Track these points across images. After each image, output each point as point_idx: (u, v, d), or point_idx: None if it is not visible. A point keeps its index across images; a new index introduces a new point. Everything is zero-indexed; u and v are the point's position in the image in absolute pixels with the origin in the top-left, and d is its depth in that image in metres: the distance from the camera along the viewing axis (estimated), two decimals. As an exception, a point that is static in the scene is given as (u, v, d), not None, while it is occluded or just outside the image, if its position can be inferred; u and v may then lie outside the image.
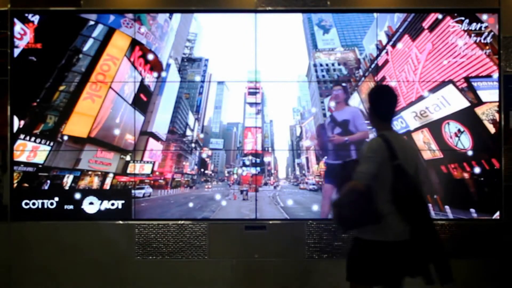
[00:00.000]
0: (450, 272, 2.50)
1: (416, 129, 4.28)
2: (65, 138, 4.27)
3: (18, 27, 4.29)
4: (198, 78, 4.49)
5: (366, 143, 2.60)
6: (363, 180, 2.44)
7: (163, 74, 4.41)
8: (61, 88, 4.31)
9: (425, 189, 2.72)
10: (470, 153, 4.21)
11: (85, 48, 4.34)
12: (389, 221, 2.45)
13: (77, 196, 4.28)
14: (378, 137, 2.55)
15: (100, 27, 4.36)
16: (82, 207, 4.28)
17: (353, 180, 2.45)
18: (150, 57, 4.39)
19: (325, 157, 4.34)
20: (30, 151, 4.27)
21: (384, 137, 2.52)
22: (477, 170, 4.19)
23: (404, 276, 2.55)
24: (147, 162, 4.38)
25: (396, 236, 2.47)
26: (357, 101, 4.39)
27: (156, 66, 4.41)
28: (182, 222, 4.23)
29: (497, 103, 4.22)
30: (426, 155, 4.26)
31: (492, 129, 4.21)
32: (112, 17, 4.35)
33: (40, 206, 4.27)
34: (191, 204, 4.34)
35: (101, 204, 4.29)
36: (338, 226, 2.56)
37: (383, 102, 2.65)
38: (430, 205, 4.22)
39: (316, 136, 4.42)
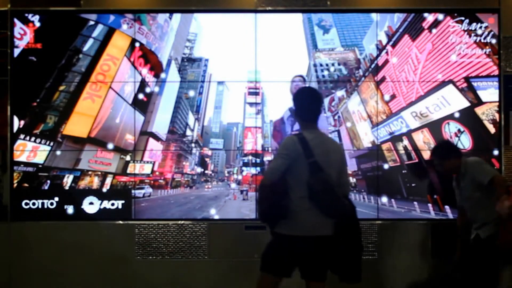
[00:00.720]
0: (358, 274, 2.68)
1: (416, 129, 4.28)
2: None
3: (18, 27, 4.29)
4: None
5: (282, 141, 2.69)
6: (270, 176, 2.56)
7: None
8: (61, 88, 4.31)
9: (348, 190, 2.80)
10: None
11: (85, 48, 4.34)
12: (303, 216, 2.54)
13: (77, 196, 4.28)
14: (293, 135, 2.63)
15: (100, 27, 4.36)
16: (82, 207, 4.28)
17: (263, 176, 2.61)
18: (151, 57, 4.40)
19: None
20: (30, 151, 4.26)
21: (300, 135, 2.61)
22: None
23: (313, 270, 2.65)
24: (147, 162, 4.38)
25: (309, 231, 2.54)
26: (357, 101, 4.39)
27: (156, 66, 4.41)
28: (182, 222, 4.23)
29: (497, 103, 4.22)
30: (427, 155, 4.26)
31: (492, 129, 4.21)
32: (112, 17, 4.36)
33: (40, 206, 4.27)
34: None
35: (101, 204, 4.29)
36: (261, 221, 2.64)
37: (305, 104, 2.72)
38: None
39: (275, 131, 4.42)
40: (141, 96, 4.36)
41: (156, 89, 4.41)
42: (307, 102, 2.72)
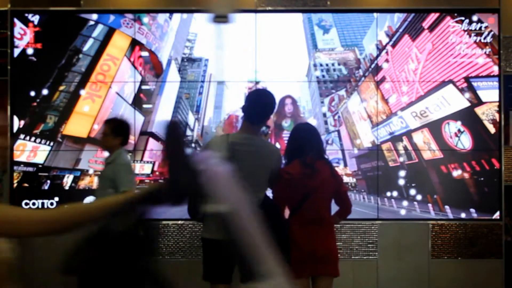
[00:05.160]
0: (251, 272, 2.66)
1: (416, 129, 4.28)
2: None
3: (18, 27, 4.29)
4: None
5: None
6: None
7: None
8: (61, 88, 4.32)
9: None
10: (470, 153, 4.21)
11: (85, 48, 4.34)
12: (208, 220, 2.62)
13: (77, 196, 4.28)
14: (218, 136, 2.68)
15: (100, 27, 4.36)
16: (82, 207, 4.27)
17: None
18: (151, 57, 4.39)
19: None
20: (30, 151, 4.26)
21: (224, 137, 2.62)
22: (477, 170, 4.19)
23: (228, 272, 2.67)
24: (147, 162, 4.38)
25: (213, 234, 2.58)
26: (357, 101, 4.39)
27: (156, 66, 4.41)
28: (182, 222, 4.23)
29: (497, 103, 4.22)
30: (426, 155, 4.26)
31: (492, 129, 4.21)
32: (112, 17, 4.35)
33: (40, 206, 4.27)
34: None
35: (101, 204, 4.28)
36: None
37: (252, 106, 2.66)
38: (428, 205, 4.23)
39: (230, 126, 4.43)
40: (141, 96, 4.36)
41: (156, 89, 4.41)
42: (256, 104, 2.66)
